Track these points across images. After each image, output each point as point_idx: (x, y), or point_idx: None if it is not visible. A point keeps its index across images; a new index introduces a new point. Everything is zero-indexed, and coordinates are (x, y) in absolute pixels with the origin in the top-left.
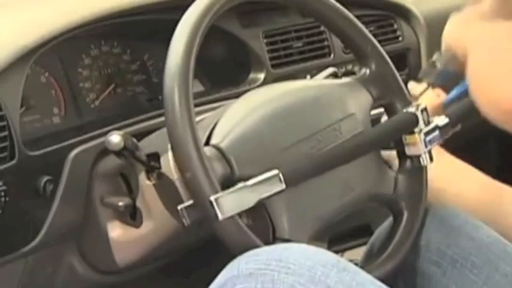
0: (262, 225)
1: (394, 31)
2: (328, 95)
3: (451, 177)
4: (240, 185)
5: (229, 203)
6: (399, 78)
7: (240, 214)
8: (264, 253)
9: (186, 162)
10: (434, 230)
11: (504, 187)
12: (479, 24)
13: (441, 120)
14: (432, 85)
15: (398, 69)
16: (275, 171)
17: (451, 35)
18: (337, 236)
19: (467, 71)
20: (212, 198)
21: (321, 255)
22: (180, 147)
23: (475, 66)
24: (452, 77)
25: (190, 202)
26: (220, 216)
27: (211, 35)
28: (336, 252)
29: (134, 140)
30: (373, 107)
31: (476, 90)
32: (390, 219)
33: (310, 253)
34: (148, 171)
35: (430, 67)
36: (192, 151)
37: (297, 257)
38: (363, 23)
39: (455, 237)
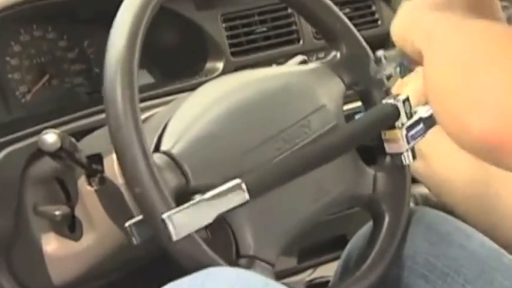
0: (223, 240)
1: (373, 13)
2: (294, 85)
3: (445, 149)
4: (197, 198)
5: (185, 220)
6: None
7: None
8: (185, 284)
9: (134, 176)
10: (421, 238)
11: None
12: (434, 15)
13: (426, 110)
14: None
15: None
16: (237, 181)
17: (400, 26)
18: (308, 249)
19: (424, 78)
20: (165, 216)
21: (247, 279)
22: (126, 158)
23: (432, 74)
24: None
25: (140, 218)
26: (174, 236)
27: (162, 18)
28: (308, 268)
29: (72, 139)
30: (346, 97)
31: (437, 106)
32: (368, 225)
33: (236, 278)
34: (89, 176)
35: (377, 65)
36: (140, 163)
37: (221, 284)
38: (336, 4)
39: (444, 246)
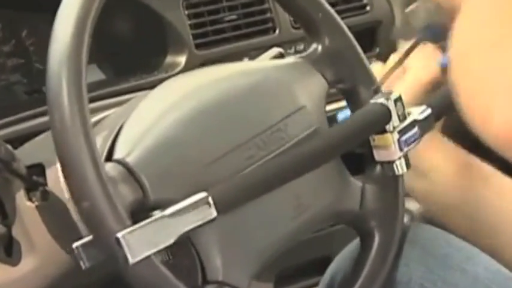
0: (187, 263)
1: None
2: (268, 83)
3: (431, 148)
4: (157, 214)
5: (143, 240)
6: (363, 56)
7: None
8: None
9: (82, 188)
10: (416, 261)
11: (490, 171)
12: None
13: (421, 112)
14: (421, 41)
15: (366, 49)
16: (203, 194)
17: None
18: (286, 273)
19: (451, 45)
20: (119, 235)
21: None
22: (72, 168)
23: (458, 36)
24: (443, 32)
25: (90, 238)
26: (130, 259)
27: (115, 5)
28: None
29: (9, 146)
30: (329, 96)
31: (457, 82)
32: (354, 243)
33: None
34: (29, 189)
35: (405, 25)
36: (89, 172)
37: None
38: None
39: (443, 270)
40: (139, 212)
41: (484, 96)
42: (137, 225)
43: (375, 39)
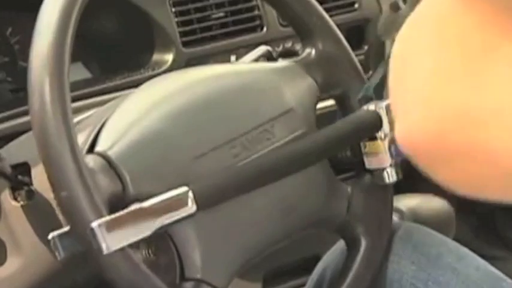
0: (166, 259)
1: None
2: (257, 84)
3: None
4: (134, 206)
5: (118, 232)
6: (356, 61)
7: (136, 244)
8: None
9: (60, 179)
10: (408, 260)
11: None
12: None
13: None
14: None
15: (354, 47)
16: (184, 189)
17: None
18: (275, 272)
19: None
20: (94, 224)
21: None
22: (50, 158)
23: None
24: None
25: (66, 229)
26: (105, 249)
27: (101, 2)
28: None
29: None
30: (320, 100)
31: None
32: (342, 242)
33: None
34: (15, 189)
35: (390, 24)
36: (67, 162)
37: None
38: None
39: (434, 269)
40: (118, 206)
41: (393, 104)
42: (113, 216)
43: (363, 37)
